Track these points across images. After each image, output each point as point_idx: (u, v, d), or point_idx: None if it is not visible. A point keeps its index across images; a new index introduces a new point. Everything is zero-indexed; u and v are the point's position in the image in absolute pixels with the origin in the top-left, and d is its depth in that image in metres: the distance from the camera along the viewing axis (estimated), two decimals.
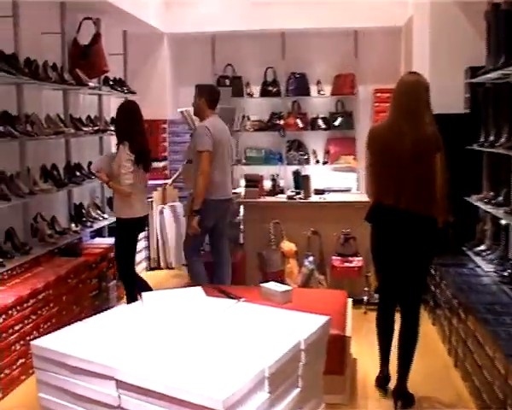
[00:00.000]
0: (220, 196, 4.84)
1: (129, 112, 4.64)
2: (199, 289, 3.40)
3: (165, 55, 7.40)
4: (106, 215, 5.87)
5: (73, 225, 5.38)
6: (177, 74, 7.56)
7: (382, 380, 3.72)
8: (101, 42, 5.81)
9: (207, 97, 4.88)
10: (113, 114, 6.46)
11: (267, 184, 5.93)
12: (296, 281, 5.23)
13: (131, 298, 4.50)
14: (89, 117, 5.81)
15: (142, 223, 4.81)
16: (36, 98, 5.00)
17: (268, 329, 2.88)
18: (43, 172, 4.98)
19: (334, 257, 5.30)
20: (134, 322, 3.02)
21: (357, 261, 5.26)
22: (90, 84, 5.49)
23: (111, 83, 6.20)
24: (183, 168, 5.95)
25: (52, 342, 2.79)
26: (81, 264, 4.87)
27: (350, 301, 4.14)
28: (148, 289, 4.51)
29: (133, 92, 6.41)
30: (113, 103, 6.46)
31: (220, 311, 3.16)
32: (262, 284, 3.97)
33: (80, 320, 4.53)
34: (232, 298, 3.82)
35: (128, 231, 4.65)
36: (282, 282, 5.10)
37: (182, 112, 5.83)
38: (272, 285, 3.93)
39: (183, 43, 7.49)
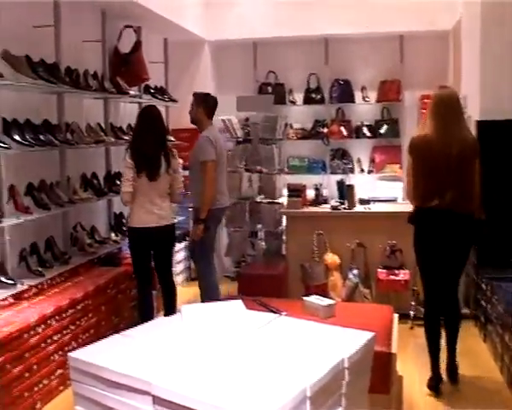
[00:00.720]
0: (220, 205, 4.86)
1: (140, 117, 4.52)
2: (239, 303, 3.27)
3: (206, 63, 7.32)
4: None
5: (113, 234, 5.33)
6: (219, 82, 7.47)
7: (434, 381, 3.80)
8: (142, 50, 5.77)
9: (205, 106, 4.91)
10: None
11: (310, 194, 5.77)
12: (340, 294, 5.05)
13: (142, 318, 4.29)
14: (129, 126, 5.77)
15: (151, 235, 4.33)
16: (77, 107, 4.98)
17: (310, 345, 2.74)
18: (83, 181, 4.96)
19: (379, 270, 5.10)
20: (172, 335, 2.92)
21: (403, 274, 5.05)
22: (131, 92, 5.45)
23: (152, 91, 6.16)
24: None
25: (89, 355, 2.71)
26: (120, 274, 4.81)
27: (396, 316, 3.94)
28: (146, 317, 4.21)
29: (174, 100, 6.36)
30: None
31: (261, 325, 3.03)
32: (304, 298, 3.81)
33: (119, 331, 4.51)
34: (273, 312, 3.70)
35: (131, 240, 4.47)
36: (326, 295, 4.95)
37: (223, 120, 5.74)
38: (315, 299, 3.77)
39: (225, 50, 7.41)
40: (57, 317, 3.85)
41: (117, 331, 4.56)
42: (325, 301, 3.71)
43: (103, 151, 5.38)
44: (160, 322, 3.17)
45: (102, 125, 5.28)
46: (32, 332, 3.57)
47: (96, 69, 5.10)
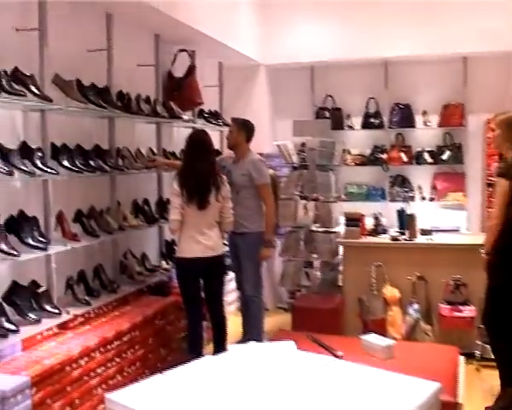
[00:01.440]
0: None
1: (188, 142, 4.29)
2: (291, 344, 3.02)
3: (262, 87, 7.18)
4: None
5: (164, 262, 5.19)
6: (275, 106, 7.33)
7: None
8: (196, 74, 5.67)
9: (245, 131, 4.97)
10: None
11: (369, 223, 5.48)
12: (399, 331, 4.74)
13: (191, 350, 4.21)
14: (182, 151, 5.65)
15: (198, 266, 4.16)
16: (128, 132, 4.92)
17: (370, 395, 2.50)
18: (134, 208, 4.85)
19: (442, 305, 4.76)
20: (217, 377, 2.71)
21: (468, 311, 4.69)
22: (184, 116, 5.34)
23: (205, 115, 6.05)
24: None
25: (127, 397, 2.56)
26: (170, 304, 4.65)
27: (461, 358, 3.62)
28: (195, 350, 4.14)
29: (228, 125, 6.21)
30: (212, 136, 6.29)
31: (315, 370, 2.79)
32: (362, 337, 3.57)
33: (166, 364, 4.35)
34: (328, 350, 3.45)
35: (179, 271, 4.34)
36: (384, 332, 4.66)
37: (278, 145, 5.56)
38: (373, 338, 3.52)
39: (281, 74, 7.25)
40: (102, 349, 3.70)
41: (164, 364, 4.46)
42: (384, 342, 3.46)
43: (155, 177, 5.27)
44: (205, 362, 2.96)
45: (155, 150, 5.18)
46: (74, 365, 3.43)
47: (149, 93, 5.02)
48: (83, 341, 3.64)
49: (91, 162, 4.14)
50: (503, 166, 3.82)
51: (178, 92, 5.53)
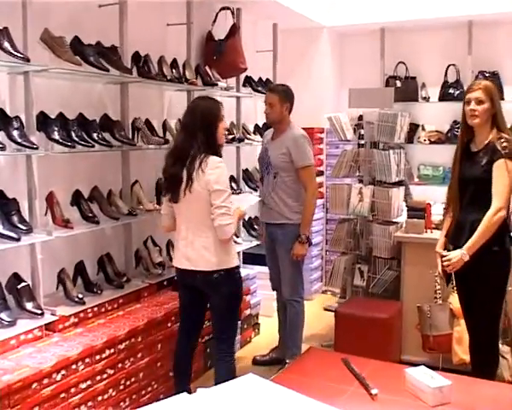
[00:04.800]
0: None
1: (183, 115, 3.24)
2: (288, 392, 2.21)
3: (324, 53, 6.31)
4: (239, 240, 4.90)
5: None
6: (339, 75, 6.46)
7: None
8: (240, 35, 4.92)
9: (291, 101, 4.15)
10: (259, 119, 5.65)
11: (438, 213, 4.53)
12: (467, 351, 3.81)
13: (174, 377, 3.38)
14: None
15: (186, 281, 3.19)
16: (150, 100, 4.28)
17: None
18: (156, 189, 4.20)
19: None
20: None
21: None
22: (221, 83, 4.60)
23: (253, 83, 5.28)
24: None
25: None
26: None
27: None
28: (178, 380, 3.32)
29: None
30: (260, 107, 5.55)
31: None
32: (407, 371, 2.71)
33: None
34: (362, 384, 2.66)
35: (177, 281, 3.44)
36: (449, 351, 3.78)
37: (330, 118, 4.71)
38: (421, 374, 2.66)
39: (346, 37, 6.39)
40: (88, 359, 3.08)
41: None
42: (435, 381, 2.59)
43: None
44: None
45: None
46: (46, 381, 2.82)
47: (181, 57, 4.35)
48: (66, 348, 3.04)
49: (94, 135, 3.51)
50: (510, 146, 3.09)
51: (218, 56, 4.81)
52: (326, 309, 5.06)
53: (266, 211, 4.15)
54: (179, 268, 3.19)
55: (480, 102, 3.20)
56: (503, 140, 3.13)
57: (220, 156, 3.08)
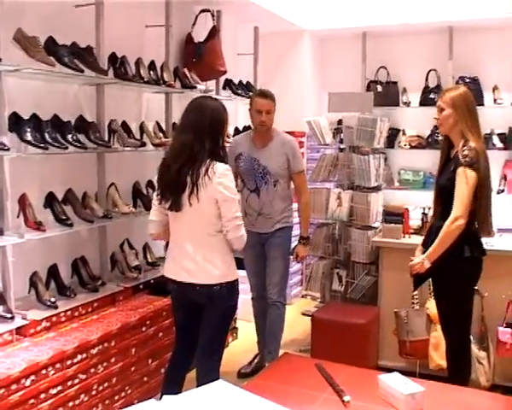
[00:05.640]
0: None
1: (182, 115, 2.98)
2: (255, 398, 2.18)
3: (305, 56, 6.31)
4: None
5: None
6: (320, 79, 6.46)
7: None
8: (220, 38, 4.89)
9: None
10: (239, 123, 5.62)
11: (416, 217, 4.52)
12: (444, 357, 3.80)
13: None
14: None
15: (182, 293, 2.98)
16: (128, 102, 4.24)
17: None
18: (133, 192, 4.16)
19: (501, 328, 3.78)
20: None
21: None
22: (200, 86, 4.56)
23: (234, 86, 5.26)
24: None
25: None
26: (166, 305, 3.89)
27: None
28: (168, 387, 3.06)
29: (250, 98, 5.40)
30: (240, 110, 5.53)
31: None
32: (380, 377, 2.70)
33: (153, 379, 3.66)
34: (335, 391, 2.64)
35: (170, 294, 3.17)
36: (426, 357, 3.78)
37: (309, 122, 4.70)
38: (395, 380, 2.64)
39: (328, 41, 6.39)
40: (58, 365, 3.03)
41: (154, 378, 3.77)
42: (408, 388, 2.57)
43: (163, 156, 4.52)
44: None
45: (163, 124, 4.45)
46: (14, 387, 2.77)
47: (160, 60, 4.32)
48: (36, 353, 2.98)
49: (69, 137, 3.46)
50: (471, 155, 3.07)
51: (197, 59, 4.77)
52: (304, 314, 5.02)
53: (263, 221, 4.03)
54: (176, 281, 2.96)
55: (441, 109, 3.23)
56: (465, 148, 3.12)
57: (226, 163, 2.86)
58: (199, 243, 2.87)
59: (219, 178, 2.77)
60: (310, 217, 4.19)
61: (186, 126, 2.87)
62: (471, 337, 3.51)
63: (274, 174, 3.97)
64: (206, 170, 2.76)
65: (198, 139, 2.79)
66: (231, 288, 2.93)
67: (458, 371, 3.33)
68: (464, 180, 3.08)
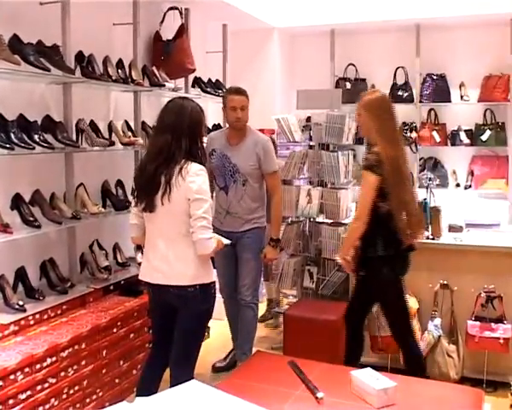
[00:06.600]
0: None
1: (158, 116, 2.98)
2: (245, 402, 2.18)
3: (274, 54, 6.32)
4: None
5: (141, 254, 4.42)
6: (289, 76, 6.47)
7: None
8: (188, 36, 4.85)
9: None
10: (208, 121, 5.59)
11: None
12: None
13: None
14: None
15: (153, 294, 3.00)
16: (96, 101, 4.17)
17: None
18: (103, 191, 4.11)
19: (470, 322, 3.84)
20: None
21: (503, 330, 3.77)
22: (168, 84, 4.53)
23: (202, 85, 5.23)
24: None
25: None
26: (139, 306, 3.85)
27: (487, 407, 2.75)
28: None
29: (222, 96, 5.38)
30: (210, 109, 5.50)
31: None
32: (352, 373, 2.72)
33: (125, 380, 3.62)
34: (308, 388, 2.65)
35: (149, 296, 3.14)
36: (397, 352, 3.81)
37: (278, 120, 4.71)
38: (367, 376, 2.68)
39: (297, 39, 6.42)
40: (27, 369, 2.97)
41: (125, 379, 3.73)
42: (381, 383, 2.60)
43: (132, 154, 4.48)
44: None
45: (131, 123, 4.40)
46: None
47: (128, 58, 4.27)
48: (3, 358, 2.92)
49: (36, 137, 3.40)
50: (371, 159, 3.19)
51: (166, 57, 4.73)
52: (275, 311, 5.05)
53: (231, 220, 4.01)
54: (150, 283, 2.94)
55: (358, 113, 3.39)
56: (367, 152, 3.30)
57: (203, 164, 2.85)
58: (171, 242, 2.85)
59: (192, 177, 2.77)
60: (280, 218, 4.12)
61: (164, 127, 2.85)
62: (415, 329, 3.67)
63: (243, 173, 3.95)
64: (180, 169, 2.76)
65: (175, 140, 2.80)
66: (206, 290, 2.88)
67: (410, 363, 3.45)
68: (364, 183, 3.23)
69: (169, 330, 2.97)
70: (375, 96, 3.37)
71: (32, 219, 3.38)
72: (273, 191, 4.03)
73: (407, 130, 5.95)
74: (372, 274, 3.37)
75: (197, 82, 5.20)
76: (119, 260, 4.26)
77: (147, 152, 2.97)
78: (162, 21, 4.84)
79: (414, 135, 5.91)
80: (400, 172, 3.25)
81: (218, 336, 4.79)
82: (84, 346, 3.35)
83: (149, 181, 2.81)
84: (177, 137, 2.80)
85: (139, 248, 4.42)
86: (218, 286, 4.19)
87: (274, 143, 4.78)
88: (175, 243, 2.84)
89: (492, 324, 3.80)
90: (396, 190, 3.20)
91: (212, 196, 3.27)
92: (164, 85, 4.45)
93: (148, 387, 2.95)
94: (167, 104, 2.96)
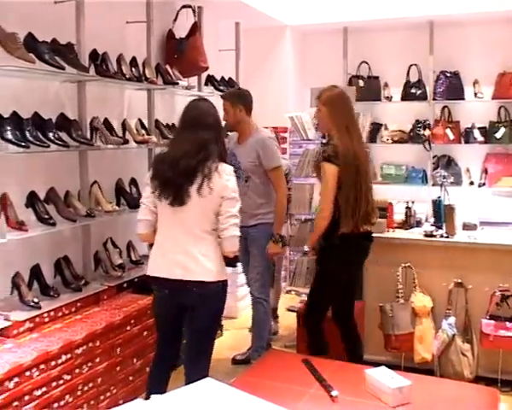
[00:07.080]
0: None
1: (181, 116, 2.98)
2: (245, 395, 2.17)
3: (287, 52, 6.30)
4: None
5: None
6: (302, 74, 6.45)
7: None
8: (201, 34, 4.86)
9: (244, 103, 4.11)
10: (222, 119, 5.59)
11: (399, 212, 4.54)
12: (430, 350, 3.85)
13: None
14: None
15: (171, 292, 2.88)
16: (110, 99, 4.19)
17: None
18: (117, 190, 4.13)
19: (484, 321, 3.82)
20: None
21: None
22: (182, 82, 4.53)
23: (216, 83, 5.23)
24: None
25: None
26: (151, 304, 3.83)
27: (504, 407, 2.73)
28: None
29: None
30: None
31: None
32: (367, 371, 2.72)
33: (138, 378, 3.63)
34: (322, 386, 2.64)
35: (154, 295, 3.07)
36: (411, 350, 3.81)
37: (292, 118, 4.70)
38: (382, 374, 2.67)
39: (309, 36, 6.39)
40: (43, 366, 2.99)
41: (139, 377, 3.75)
42: (395, 382, 2.60)
43: (146, 152, 4.49)
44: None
45: (145, 121, 4.42)
46: None
47: (141, 56, 4.28)
48: (19, 355, 2.94)
49: (50, 135, 3.41)
50: (329, 150, 3.36)
51: (179, 55, 4.74)
52: (289, 309, 5.03)
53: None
54: (166, 279, 2.85)
55: (318, 110, 3.54)
56: (325, 145, 3.50)
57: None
58: (196, 237, 2.82)
59: (228, 175, 2.84)
60: (283, 214, 4.11)
61: (204, 126, 2.85)
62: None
63: (245, 170, 4.03)
64: (216, 168, 2.80)
65: (215, 139, 2.87)
66: (224, 287, 2.90)
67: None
68: (324, 174, 3.36)
69: (177, 329, 2.98)
70: (334, 92, 3.52)
71: (46, 216, 3.40)
72: (275, 188, 4.06)
73: (420, 127, 5.93)
74: (323, 258, 3.57)
75: (210, 80, 5.20)
76: (133, 258, 4.27)
77: (178, 147, 2.87)
78: (175, 19, 4.86)
79: (427, 133, 5.87)
80: (356, 164, 3.36)
81: (231, 334, 4.79)
82: (98, 343, 3.37)
83: (185, 175, 2.77)
84: (216, 137, 2.88)
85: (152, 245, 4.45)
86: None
87: (278, 139, 4.79)
88: (199, 238, 2.82)
89: (507, 322, 3.78)
90: (351, 186, 3.33)
91: None
92: (177, 83, 4.46)
93: (157, 386, 2.92)
94: (198, 103, 3.02)
